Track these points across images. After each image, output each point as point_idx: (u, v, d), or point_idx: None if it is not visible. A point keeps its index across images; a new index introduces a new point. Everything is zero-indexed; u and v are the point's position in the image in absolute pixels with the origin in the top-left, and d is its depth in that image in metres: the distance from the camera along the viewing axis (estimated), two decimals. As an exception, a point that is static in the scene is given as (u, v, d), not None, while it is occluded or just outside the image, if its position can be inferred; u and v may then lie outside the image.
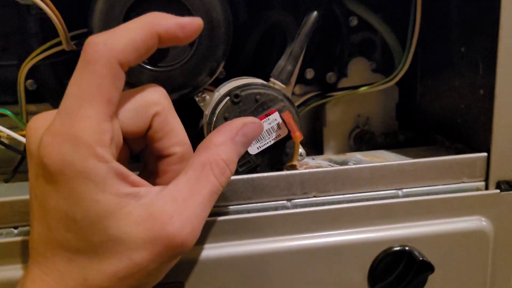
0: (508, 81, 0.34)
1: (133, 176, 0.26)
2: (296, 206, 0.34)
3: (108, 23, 0.32)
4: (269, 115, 0.35)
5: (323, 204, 0.34)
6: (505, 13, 0.33)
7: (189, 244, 0.26)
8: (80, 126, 0.23)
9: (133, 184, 0.25)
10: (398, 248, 0.33)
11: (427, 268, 0.32)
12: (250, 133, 0.29)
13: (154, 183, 0.29)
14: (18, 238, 0.31)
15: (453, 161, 0.35)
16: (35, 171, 0.25)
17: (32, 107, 0.47)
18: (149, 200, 0.25)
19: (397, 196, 0.35)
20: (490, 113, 0.34)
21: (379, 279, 0.34)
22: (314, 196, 0.34)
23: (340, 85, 0.48)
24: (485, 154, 0.35)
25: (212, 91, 0.39)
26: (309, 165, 0.40)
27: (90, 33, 0.33)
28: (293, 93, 0.49)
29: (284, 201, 0.34)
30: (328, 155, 0.47)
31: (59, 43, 0.36)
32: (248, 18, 0.44)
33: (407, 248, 0.33)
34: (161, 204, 0.25)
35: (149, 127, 0.28)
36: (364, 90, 0.46)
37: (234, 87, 0.36)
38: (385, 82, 0.45)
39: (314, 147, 0.52)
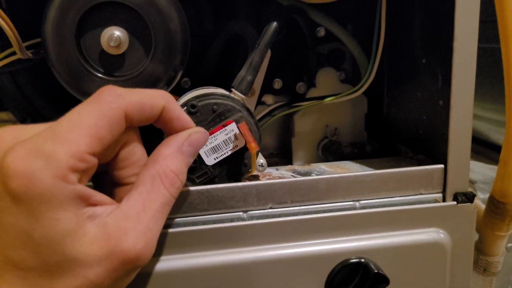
0: (463, 92, 0.34)
1: (97, 196, 0.26)
2: (252, 217, 0.34)
3: (61, 31, 0.32)
4: (226, 125, 0.35)
5: (280, 215, 0.34)
6: (459, 25, 0.33)
7: (145, 258, 0.26)
8: (61, 147, 0.24)
9: (96, 203, 0.26)
10: (354, 260, 0.33)
11: (382, 280, 0.32)
12: (196, 143, 0.30)
13: None
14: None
15: (410, 173, 0.35)
16: None
17: (3, 115, 0.47)
18: (103, 219, 0.25)
19: (354, 208, 0.34)
20: (448, 124, 0.34)
21: (336, 292, 0.33)
22: (270, 208, 0.34)
23: (309, 95, 0.48)
24: (442, 165, 0.35)
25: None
26: (272, 175, 0.40)
27: (43, 41, 0.33)
28: (263, 103, 0.49)
29: (240, 213, 0.34)
30: (296, 165, 0.47)
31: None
32: (214, 28, 0.44)
33: (363, 260, 0.33)
34: (115, 221, 0.26)
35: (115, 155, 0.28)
36: (330, 100, 0.46)
37: (192, 97, 0.35)
38: (351, 92, 0.45)
39: (284, 157, 0.52)
